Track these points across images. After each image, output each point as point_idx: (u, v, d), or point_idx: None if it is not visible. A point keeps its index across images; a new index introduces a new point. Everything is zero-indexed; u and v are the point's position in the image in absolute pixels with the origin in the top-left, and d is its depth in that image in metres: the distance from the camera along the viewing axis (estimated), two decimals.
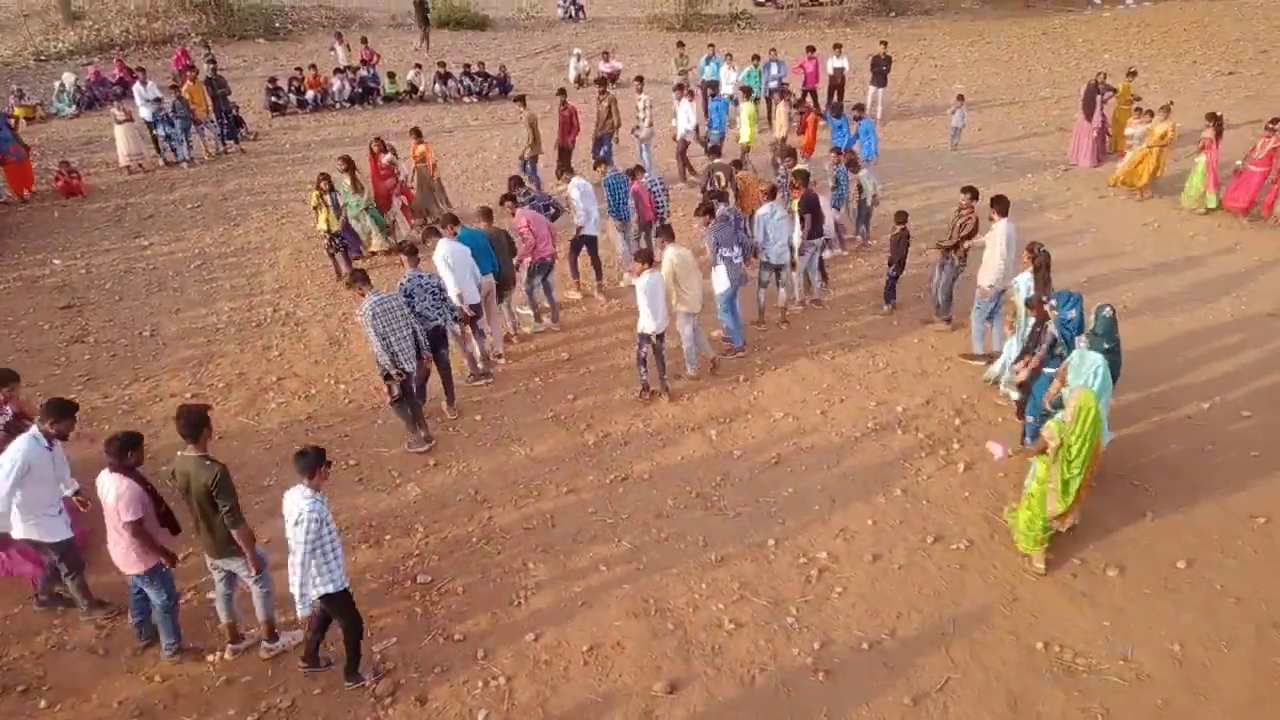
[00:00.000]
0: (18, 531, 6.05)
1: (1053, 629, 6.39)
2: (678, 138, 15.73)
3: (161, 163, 17.29)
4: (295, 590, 5.41)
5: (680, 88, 16.37)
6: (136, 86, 17.81)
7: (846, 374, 9.84)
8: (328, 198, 11.78)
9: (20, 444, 5.97)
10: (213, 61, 18.89)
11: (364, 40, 24.63)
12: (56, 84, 21.47)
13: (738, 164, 13.70)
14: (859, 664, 6.14)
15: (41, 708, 5.92)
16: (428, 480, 8.20)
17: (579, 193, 10.97)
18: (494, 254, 9.86)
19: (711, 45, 21.12)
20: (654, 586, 6.85)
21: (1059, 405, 7.12)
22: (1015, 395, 8.77)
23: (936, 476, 8.10)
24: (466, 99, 22.26)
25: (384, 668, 6.13)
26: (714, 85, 19.23)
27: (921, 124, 20.25)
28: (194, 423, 5.61)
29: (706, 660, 6.18)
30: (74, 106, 21.12)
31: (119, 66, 22.73)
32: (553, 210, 11.06)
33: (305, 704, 5.90)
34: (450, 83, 22.43)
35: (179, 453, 5.70)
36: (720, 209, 10.24)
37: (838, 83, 19.84)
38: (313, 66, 22.33)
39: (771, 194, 10.44)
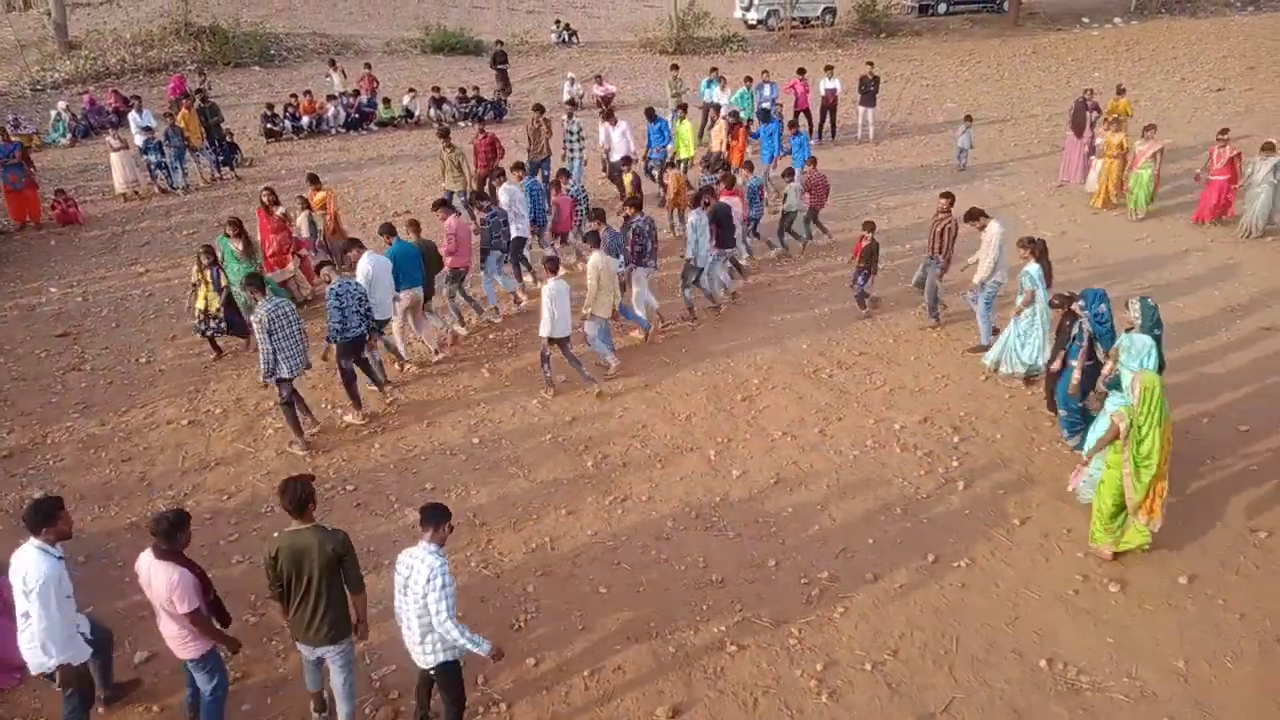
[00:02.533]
0: (51, 661, 5.07)
1: (1056, 646, 6.35)
2: (607, 164, 15.57)
3: (157, 190, 17.34)
4: (471, 646, 5.00)
5: (609, 111, 16.26)
6: (132, 114, 17.91)
7: (844, 392, 9.85)
8: (209, 273, 10.40)
9: (33, 563, 4.93)
10: (203, 90, 19.01)
11: (367, 66, 24.80)
12: (52, 113, 21.57)
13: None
14: (863, 685, 6.09)
15: None
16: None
17: (507, 198, 11.70)
18: (423, 266, 10.32)
19: (714, 69, 21.27)
20: (655, 609, 6.81)
21: (1115, 385, 7.53)
22: (1020, 372, 9.62)
23: (936, 494, 8.08)
24: (461, 123, 22.38)
25: (383, 695, 6.07)
26: (716, 108, 19.40)
27: (915, 143, 20.41)
28: (301, 498, 5.10)
29: (709, 683, 6.13)
30: (69, 135, 21.22)
31: (114, 95, 22.85)
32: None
33: None
34: (445, 107, 22.57)
35: (282, 530, 5.24)
36: (636, 220, 10.93)
37: (829, 104, 20.04)
38: (308, 93, 22.48)
39: (695, 202, 11.16)
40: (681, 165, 15.99)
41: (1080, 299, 8.32)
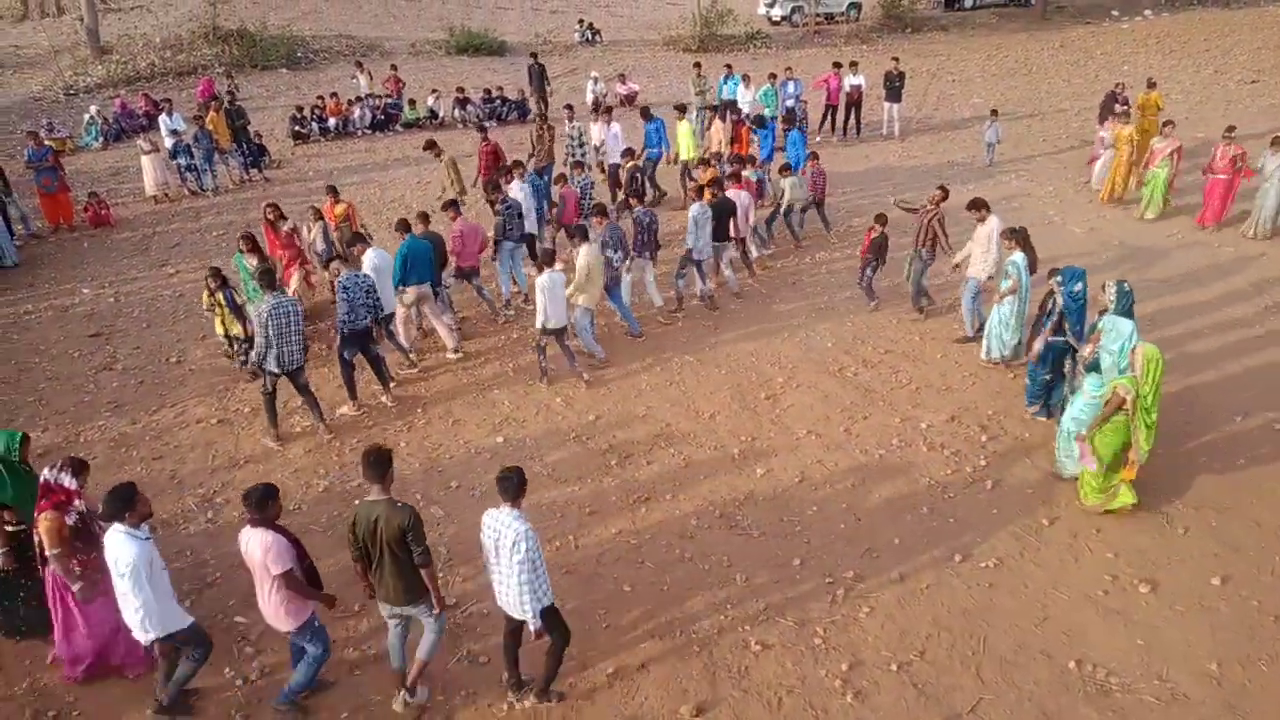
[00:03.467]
0: (148, 636, 5.42)
1: (1085, 648, 6.27)
2: (606, 165, 15.45)
3: (187, 192, 17.58)
4: (528, 609, 5.38)
5: (608, 110, 16.25)
6: (162, 118, 18.17)
7: (870, 390, 9.78)
8: (220, 295, 10.03)
9: (122, 548, 5.21)
10: (231, 92, 19.19)
11: (393, 68, 24.98)
12: (85, 117, 21.93)
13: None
14: (889, 685, 6.05)
15: None
16: (451, 502, 8.21)
17: (519, 193, 12.00)
18: (433, 261, 10.51)
19: (729, 66, 21.25)
20: (678, 608, 6.80)
21: (1094, 368, 7.76)
22: (999, 356, 9.97)
23: (963, 494, 8.01)
24: (486, 123, 22.44)
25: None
26: (732, 105, 19.31)
27: (941, 138, 20.23)
28: (381, 464, 5.38)
29: (733, 682, 6.12)
30: (101, 139, 21.56)
31: (144, 99, 23.20)
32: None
33: None
34: (469, 108, 22.68)
35: (362, 500, 5.52)
36: (637, 210, 11.24)
37: (854, 99, 19.91)
38: (334, 95, 22.67)
39: (699, 194, 11.47)
40: (682, 166, 15.91)
41: (1059, 275, 8.68)
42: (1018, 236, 9.67)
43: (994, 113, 18.02)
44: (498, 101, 22.94)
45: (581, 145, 15.41)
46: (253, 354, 8.82)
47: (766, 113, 19.23)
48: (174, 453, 9.17)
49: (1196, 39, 29.36)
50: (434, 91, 23.43)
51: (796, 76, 19.75)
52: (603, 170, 16.12)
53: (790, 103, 19.23)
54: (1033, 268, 9.71)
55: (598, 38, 33.23)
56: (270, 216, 11.56)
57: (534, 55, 22.78)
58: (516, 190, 12.10)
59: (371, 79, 24.39)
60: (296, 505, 8.22)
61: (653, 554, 7.39)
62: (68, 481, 5.86)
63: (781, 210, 13.59)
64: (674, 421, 9.35)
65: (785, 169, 13.53)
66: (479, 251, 11.41)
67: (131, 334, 11.87)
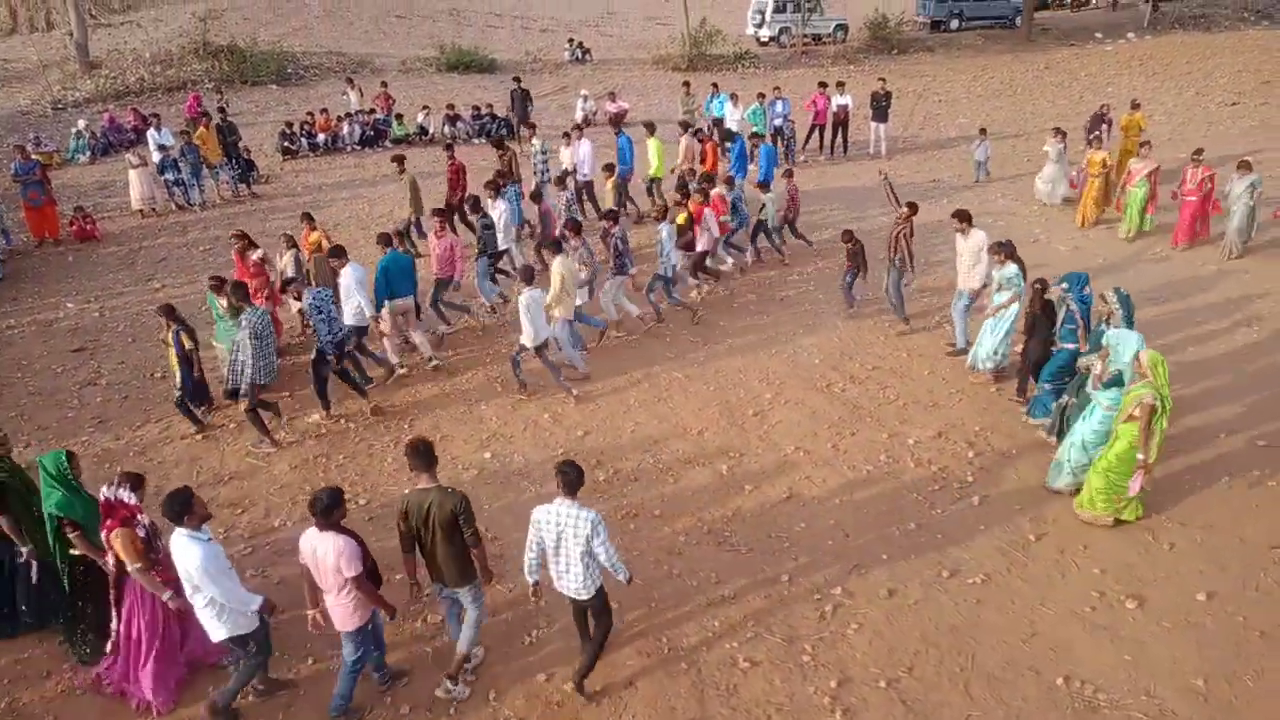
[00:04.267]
0: (222, 634, 5.60)
1: (1073, 664, 6.27)
2: (576, 181, 15.09)
3: (174, 207, 17.52)
4: (622, 574, 5.81)
5: (578, 127, 16.34)
6: (150, 132, 18.13)
7: (857, 407, 9.80)
8: (170, 334, 9.32)
9: (188, 551, 5.36)
10: (223, 108, 19.14)
11: (383, 85, 25.03)
12: (73, 131, 21.87)
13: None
14: (878, 702, 6.03)
15: None
16: None
17: (502, 210, 12.23)
18: (414, 275, 10.72)
19: (715, 85, 21.42)
20: (666, 624, 6.77)
21: (1116, 383, 7.67)
22: (989, 367, 10.03)
23: (950, 510, 8.02)
24: (475, 140, 22.52)
25: (399, 708, 6.05)
26: (719, 123, 19.44)
27: (927, 157, 20.41)
28: (428, 454, 5.70)
29: (722, 700, 6.08)
30: (89, 153, 21.49)
31: (133, 114, 23.17)
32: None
33: None
34: (459, 124, 22.74)
35: (411, 489, 5.78)
36: (615, 232, 11.17)
37: (841, 119, 20.08)
38: (324, 110, 22.70)
39: (662, 214, 11.72)
40: (651, 184, 15.95)
41: (1063, 282, 8.91)
42: (1006, 250, 9.80)
43: (983, 131, 18.19)
44: (487, 118, 23.01)
45: (545, 163, 15.35)
46: (247, 376, 8.98)
47: (756, 129, 19.42)
48: (158, 468, 9.08)
49: (1179, 61, 29.77)
50: (424, 108, 23.48)
51: (785, 96, 19.90)
52: (567, 185, 15.92)
53: (779, 122, 19.36)
54: (1024, 276, 9.86)
55: (588, 56, 33.42)
56: (238, 246, 11.17)
57: (517, 79, 22.83)
58: (501, 206, 12.24)
59: (362, 95, 24.43)
60: (282, 522, 8.16)
61: (641, 570, 7.34)
62: (127, 497, 5.88)
63: (769, 225, 13.69)
64: (662, 438, 9.34)
65: (762, 185, 13.69)
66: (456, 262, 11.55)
67: (116, 349, 11.79)
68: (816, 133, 20.51)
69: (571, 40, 34.10)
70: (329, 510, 5.42)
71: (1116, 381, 7.72)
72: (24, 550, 6.53)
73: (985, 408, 9.69)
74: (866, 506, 8.12)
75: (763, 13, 35.57)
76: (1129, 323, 8.36)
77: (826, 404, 9.90)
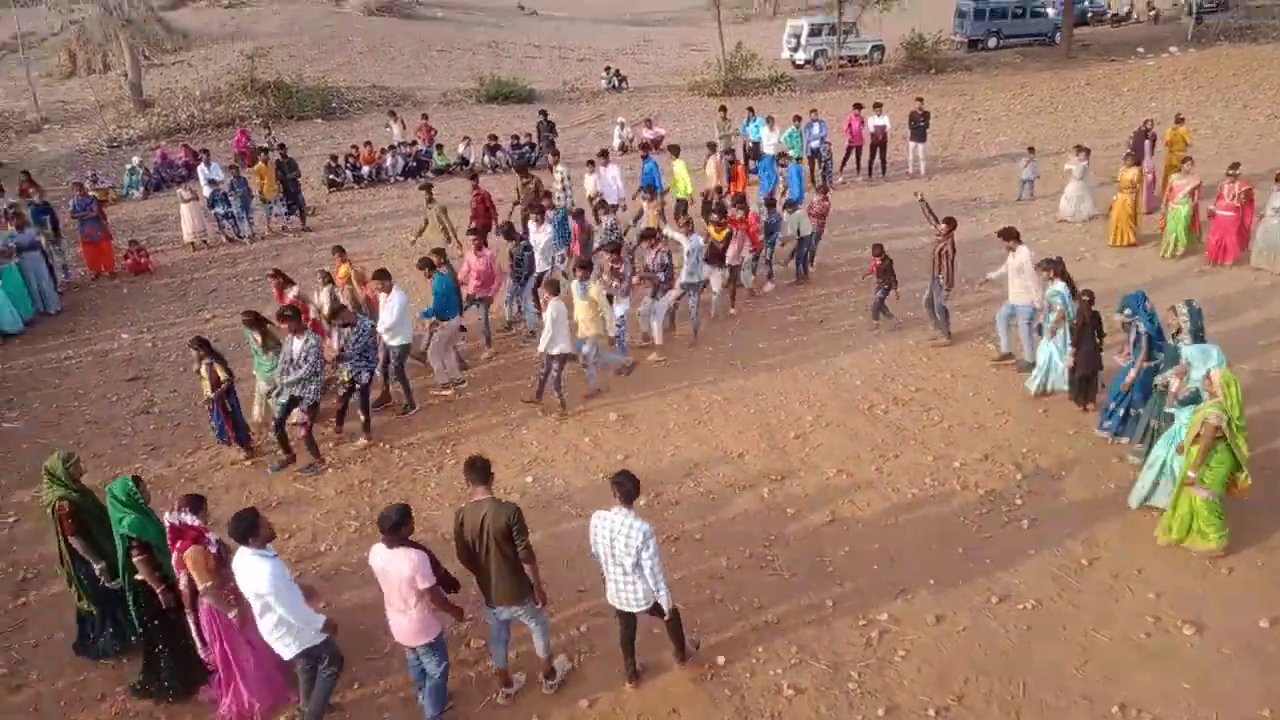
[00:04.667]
0: (293, 649, 5.69)
1: (1129, 692, 6.09)
2: (606, 205, 14.46)
3: (224, 240, 17.99)
4: (662, 596, 5.86)
5: (603, 154, 16.41)
6: (200, 167, 18.67)
7: (901, 429, 9.69)
8: (203, 367, 9.42)
9: (258, 569, 5.44)
10: (282, 145, 19.53)
11: (424, 117, 25.50)
12: (127, 167, 22.61)
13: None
14: None
15: None
16: None
17: (547, 235, 12.60)
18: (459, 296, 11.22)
19: (750, 109, 21.52)
20: (709, 650, 6.71)
21: (1193, 400, 7.56)
22: (1065, 388, 9.90)
23: (998, 534, 7.87)
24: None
25: None
26: (756, 146, 19.50)
27: (966, 177, 20.24)
28: (484, 469, 5.80)
29: None
30: (142, 188, 22.18)
31: (184, 149, 23.89)
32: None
33: None
34: (499, 154, 23.06)
35: (467, 502, 5.88)
36: (660, 251, 11.47)
37: (879, 140, 20.01)
38: (368, 143, 23.19)
39: (688, 230, 11.98)
40: (681, 205, 15.94)
41: (1126, 307, 8.82)
42: (1056, 267, 9.85)
43: (1031, 150, 18.00)
44: (527, 148, 23.31)
45: (565, 190, 15.45)
46: (304, 399, 9.34)
47: (792, 153, 19.44)
48: (209, 494, 9.14)
49: (1224, 74, 29.26)
50: (465, 139, 23.87)
51: (821, 118, 19.90)
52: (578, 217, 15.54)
53: (815, 144, 19.36)
54: (1072, 294, 9.80)
55: (624, 84, 33.79)
56: (277, 285, 11.09)
57: (543, 112, 23.09)
58: (547, 230, 12.54)
59: (404, 128, 24.93)
60: (328, 546, 8.27)
61: (682, 595, 7.29)
62: (190, 520, 5.95)
63: (810, 242, 13.87)
64: (702, 461, 9.32)
65: (791, 205, 13.80)
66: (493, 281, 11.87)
67: (169, 378, 12.09)
68: (854, 155, 20.47)
69: (608, 69, 34.54)
70: (397, 527, 5.47)
71: (1194, 399, 7.57)
72: (98, 567, 6.66)
73: (1033, 429, 9.52)
74: (912, 530, 8.00)
75: (798, 36, 35.76)
76: (1197, 336, 8.17)
77: (869, 426, 9.80)
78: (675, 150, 16.56)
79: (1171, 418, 7.87)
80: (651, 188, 14.75)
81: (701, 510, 8.49)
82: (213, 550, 5.92)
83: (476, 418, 10.51)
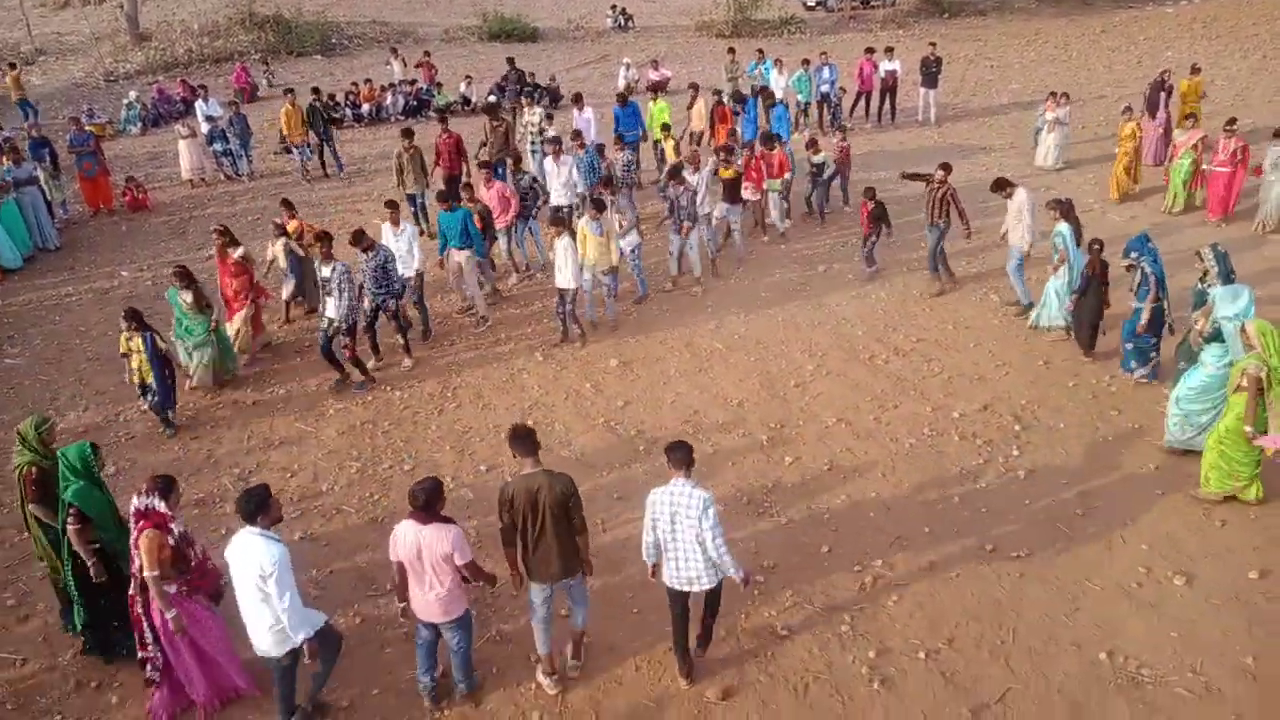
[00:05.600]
0: (300, 636, 5.31)
1: (1117, 639, 6.20)
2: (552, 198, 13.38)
3: (223, 177, 17.80)
4: (731, 570, 5.54)
5: (577, 97, 15.93)
6: (198, 103, 18.40)
7: (901, 379, 9.70)
8: (139, 340, 8.81)
9: (263, 550, 5.09)
10: (316, 89, 18.62)
11: (426, 54, 25.00)
12: (124, 103, 22.28)
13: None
14: (916, 673, 6.02)
15: None
16: (481, 485, 8.28)
17: (568, 168, 12.86)
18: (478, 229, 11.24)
19: (760, 51, 21.09)
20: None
21: (1216, 338, 7.69)
22: (1060, 324, 10.15)
23: (995, 484, 7.93)
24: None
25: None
26: (765, 89, 19.12)
27: (978, 124, 19.93)
28: (531, 439, 5.60)
29: (759, 667, 6.12)
30: (140, 124, 21.88)
31: (182, 85, 23.51)
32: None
33: (362, 703, 5.98)
34: (507, 92, 22.62)
35: (515, 475, 5.60)
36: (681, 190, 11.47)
37: (889, 85, 19.65)
38: (368, 81, 22.82)
39: (695, 163, 12.41)
40: (657, 147, 15.75)
41: (1132, 250, 9.03)
42: (1062, 207, 10.07)
43: (1065, 96, 17.29)
44: (531, 86, 22.88)
45: (541, 133, 15.03)
46: (342, 320, 9.54)
47: (800, 98, 19.18)
48: (210, 433, 9.33)
49: (1245, 24, 28.61)
50: (467, 77, 23.46)
51: (831, 62, 19.50)
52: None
53: (825, 88, 19.03)
54: (1078, 238, 9.96)
55: (630, 23, 33.10)
56: (219, 242, 10.51)
57: (510, 60, 22.44)
58: (564, 163, 12.77)
59: (405, 65, 24.48)
60: (329, 487, 8.34)
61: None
62: (159, 505, 5.57)
63: (824, 179, 13.94)
64: (702, 408, 9.35)
65: (813, 144, 13.79)
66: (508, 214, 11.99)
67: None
68: (863, 100, 20.12)
69: (614, 7, 33.79)
70: (430, 503, 5.26)
71: (1217, 336, 7.69)
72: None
73: (1033, 381, 9.53)
74: (909, 479, 8.06)
75: None
76: (1227, 279, 8.27)
77: (869, 376, 9.81)
78: (655, 92, 16.35)
79: (1194, 356, 8.05)
80: (620, 139, 14.49)
81: (701, 456, 8.45)
82: (170, 542, 5.54)
83: (477, 360, 10.52)
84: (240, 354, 10.48)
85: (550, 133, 14.70)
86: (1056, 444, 8.44)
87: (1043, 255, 10.84)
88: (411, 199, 13.84)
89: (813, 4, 34.85)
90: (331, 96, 21.88)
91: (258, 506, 5.20)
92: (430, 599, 5.42)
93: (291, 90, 17.73)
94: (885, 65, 19.50)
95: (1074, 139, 17.45)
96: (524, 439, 5.58)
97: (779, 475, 8.21)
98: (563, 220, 10.43)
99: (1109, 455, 8.23)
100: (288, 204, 11.98)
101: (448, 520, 5.40)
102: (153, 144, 20.72)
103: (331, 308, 9.53)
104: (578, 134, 13.87)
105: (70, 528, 5.90)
